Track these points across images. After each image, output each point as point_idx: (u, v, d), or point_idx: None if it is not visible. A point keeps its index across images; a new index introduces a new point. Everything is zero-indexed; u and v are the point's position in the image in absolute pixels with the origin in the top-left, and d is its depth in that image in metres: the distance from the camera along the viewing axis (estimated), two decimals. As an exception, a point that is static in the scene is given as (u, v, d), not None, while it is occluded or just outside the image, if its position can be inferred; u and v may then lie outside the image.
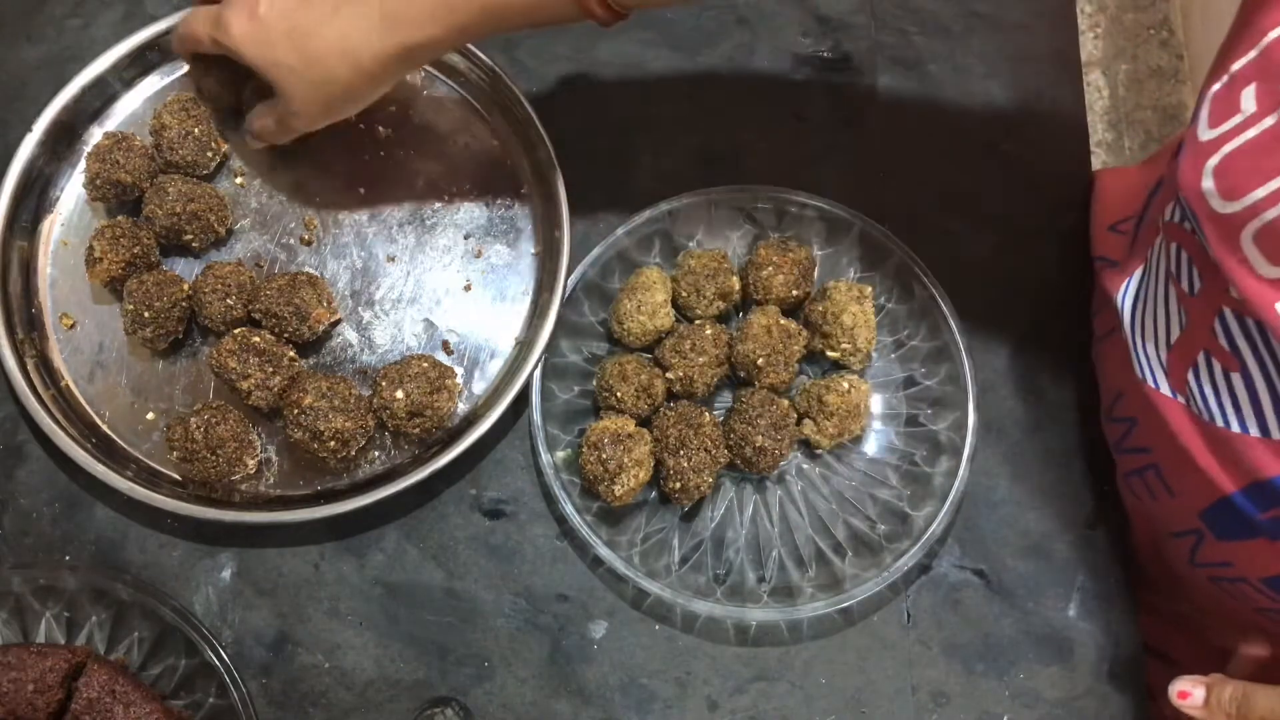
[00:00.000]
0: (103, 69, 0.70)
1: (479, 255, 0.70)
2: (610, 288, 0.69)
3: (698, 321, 0.67)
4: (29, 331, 0.67)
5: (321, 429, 0.61)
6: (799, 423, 0.66)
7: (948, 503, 0.64)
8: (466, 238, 0.71)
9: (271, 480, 0.65)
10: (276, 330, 0.65)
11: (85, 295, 0.68)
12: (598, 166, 0.72)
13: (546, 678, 0.64)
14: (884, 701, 0.64)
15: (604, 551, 0.62)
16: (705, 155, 0.74)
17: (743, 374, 0.66)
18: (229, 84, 0.69)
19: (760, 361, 0.64)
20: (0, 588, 0.61)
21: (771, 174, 0.71)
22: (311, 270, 0.69)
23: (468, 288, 0.70)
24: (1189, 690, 0.52)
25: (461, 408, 0.67)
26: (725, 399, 0.69)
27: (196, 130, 0.68)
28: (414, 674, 0.63)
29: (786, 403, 0.65)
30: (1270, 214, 0.44)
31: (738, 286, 0.68)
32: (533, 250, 0.71)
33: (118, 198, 0.68)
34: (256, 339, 0.63)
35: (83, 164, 0.68)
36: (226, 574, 0.65)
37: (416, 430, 0.64)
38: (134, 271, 0.66)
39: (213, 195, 0.68)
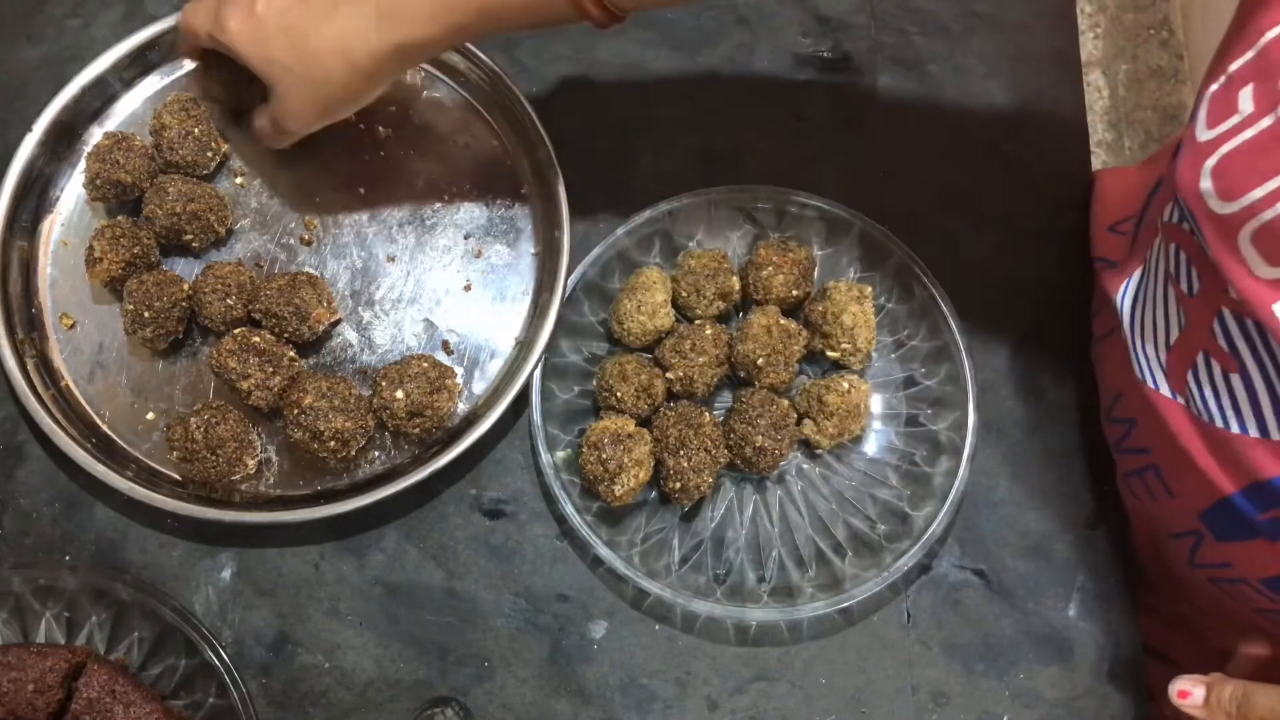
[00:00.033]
0: (103, 69, 0.70)
1: (479, 255, 0.70)
2: (610, 288, 0.69)
3: (698, 321, 0.67)
4: (29, 331, 0.67)
5: (321, 429, 0.61)
6: (799, 423, 0.66)
7: (948, 503, 0.64)
8: (466, 238, 0.71)
9: (271, 480, 0.65)
10: (276, 330, 0.65)
11: (85, 295, 0.68)
12: (598, 166, 0.72)
13: (546, 678, 0.64)
14: (884, 701, 0.64)
15: (604, 551, 0.62)
16: (705, 155, 0.74)
17: (743, 374, 0.66)
18: (231, 84, 0.69)
19: (760, 361, 0.64)
20: (0, 588, 0.61)
21: (771, 174, 0.71)
22: (311, 270, 0.69)
23: (468, 288, 0.70)
24: (1189, 689, 0.53)
25: (461, 408, 0.67)
26: (725, 399, 0.69)
27: (196, 130, 0.68)
28: (414, 674, 0.63)
29: (786, 403, 0.65)
30: (1268, 214, 0.44)
31: (738, 286, 0.68)
32: (533, 250, 0.71)
33: (118, 198, 0.68)
34: (256, 339, 0.63)
35: (83, 164, 0.68)
36: (226, 574, 0.65)
37: (416, 430, 0.64)
38: (134, 271, 0.66)
39: (213, 195, 0.68)
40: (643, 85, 0.76)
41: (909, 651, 0.65)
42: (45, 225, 0.69)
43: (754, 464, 0.63)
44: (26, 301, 0.68)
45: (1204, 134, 0.48)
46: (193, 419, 0.62)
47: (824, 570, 0.64)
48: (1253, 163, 0.45)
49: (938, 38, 0.78)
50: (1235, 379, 0.51)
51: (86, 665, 0.59)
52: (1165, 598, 0.71)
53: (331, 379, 0.63)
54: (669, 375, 0.65)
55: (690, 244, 0.71)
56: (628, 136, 0.74)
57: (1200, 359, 0.53)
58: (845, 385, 0.65)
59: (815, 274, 0.70)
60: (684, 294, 0.67)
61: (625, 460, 0.61)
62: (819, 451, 0.67)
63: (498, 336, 0.69)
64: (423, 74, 0.74)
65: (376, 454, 0.66)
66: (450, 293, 0.70)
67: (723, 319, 0.69)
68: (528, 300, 0.69)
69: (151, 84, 0.72)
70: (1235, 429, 0.52)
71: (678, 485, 0.62)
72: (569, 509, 0.62)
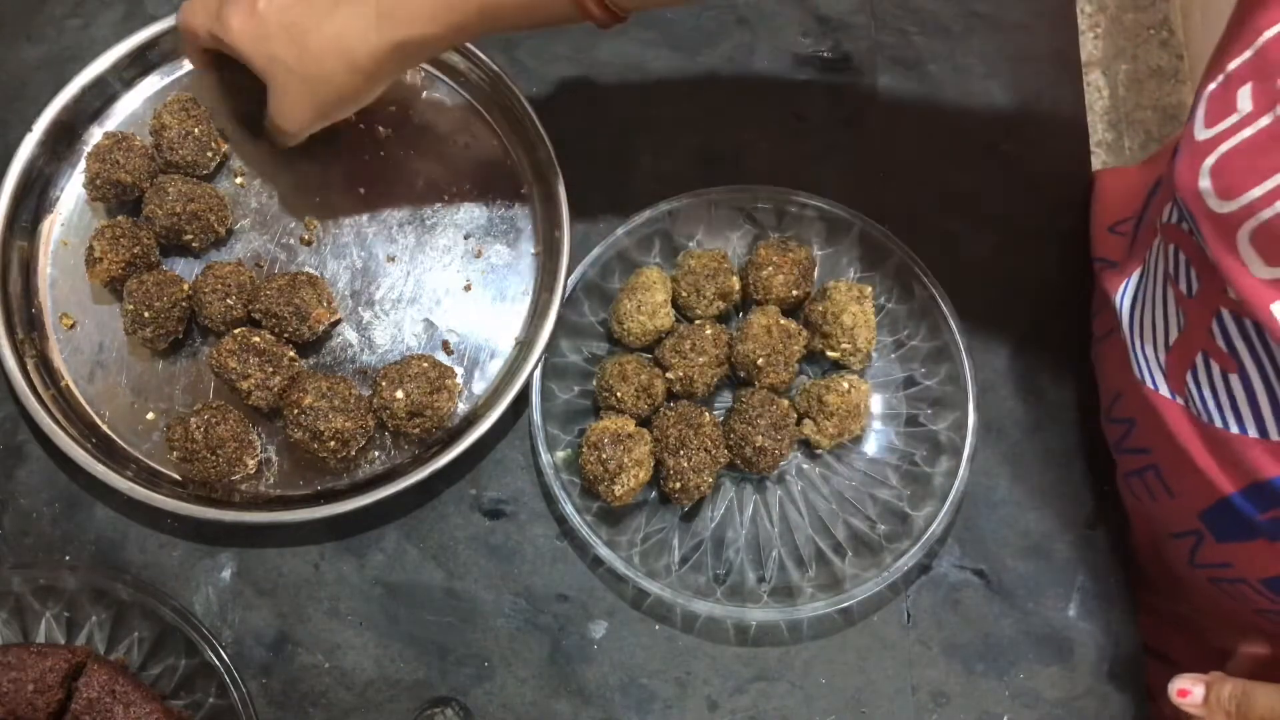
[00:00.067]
0: (103, 69, 0.70)
1: (479, 255, 0.70)
2: (610, 288, 0.69)
3: (698, 321, 0.67)
4: (29, 331, 0.67)
5: (321, 429, 0.61)
6: (799, 423, 0.66)
7: (948, 503, 0.64)
8: (466, 238, 0.71)
9: (271, 480, 0.65)
10: (276, 330, 0.65)
11: (85, 295, 0.68)
12: (598, 166, 0.72)
13: (546, 678, 0.64)
14: (884, 701, 0.64)
15: (604, 551, 0.62)
16: (705, 155, 0.74)
17: (743, 374, 0.66)
18: (239, 88, 0.69)
19: (760, 361, 0.64)
20: (0, 588, 0.61)
21: (771, 174, 0.72)
22: (311, 270, 0.69)
23: (468, 288, 0.70)
24: (1188, 688, 0.53)
25: (461, 408, 0.67)
26: (725, 399, 0.69)
27: (196, 130, 0.68)
28: (414, 674, 0.63)
29: (786, 403, 0.65)
30: (1266, 213, 0.44)
31: (738, 286, 0.68)
32: (533, 250, 0.71)
33: (118, 198, 0.68)
34: (256, 339, 0.63)
35: (83, 164, 0.68)
36: (226, 574, 0.65)
37: (416, 430, 0.64)
38: (134, 271, 0.66)
39: (213, 195, 0.68)
40: (643, 85, 0.76)
41: (909, 651, 0.65)
42: (45, 225, 0.69)
43: (754, 464, 0.63)
44: (26, 301, 0.68)
45: (1202, 133, 0.48)
46: (193, 419, 0.62)
47: (824, 570, 0.64)
48: (1251, 161, 0.45)
49: (938, 38, 0.78)
50: (1234, 379, 0.51)
51: (86, 665, 0.59)
52: (1165, 598, 0.71)
53: (331, 379, 0.63)
54: (669, 375, 0.65)
55: (690, 244, 0.71)
56: (628, 136, 0.74)
57: (1199, 359, 0.53)
58: (845, 385, 0.65)
59: (815, 274, 0.70)
60: (684, 294, 0.67)
61: (625, 460, 0.61)
62: (819, 451, 0.67)
63: (498, 336, 0.69)
64: (423, 74, 0.74)
65: (376, 454, 0.66)
66: (450, 293, 0.70)
67: (723, 319, 0.69)
68: (528, 300, 0.69)
69: (151, 84, 0.72)
70: (1234, 429, 0.52)
71: (678, 485, 0.62)
72: (569, 509, 0.62)
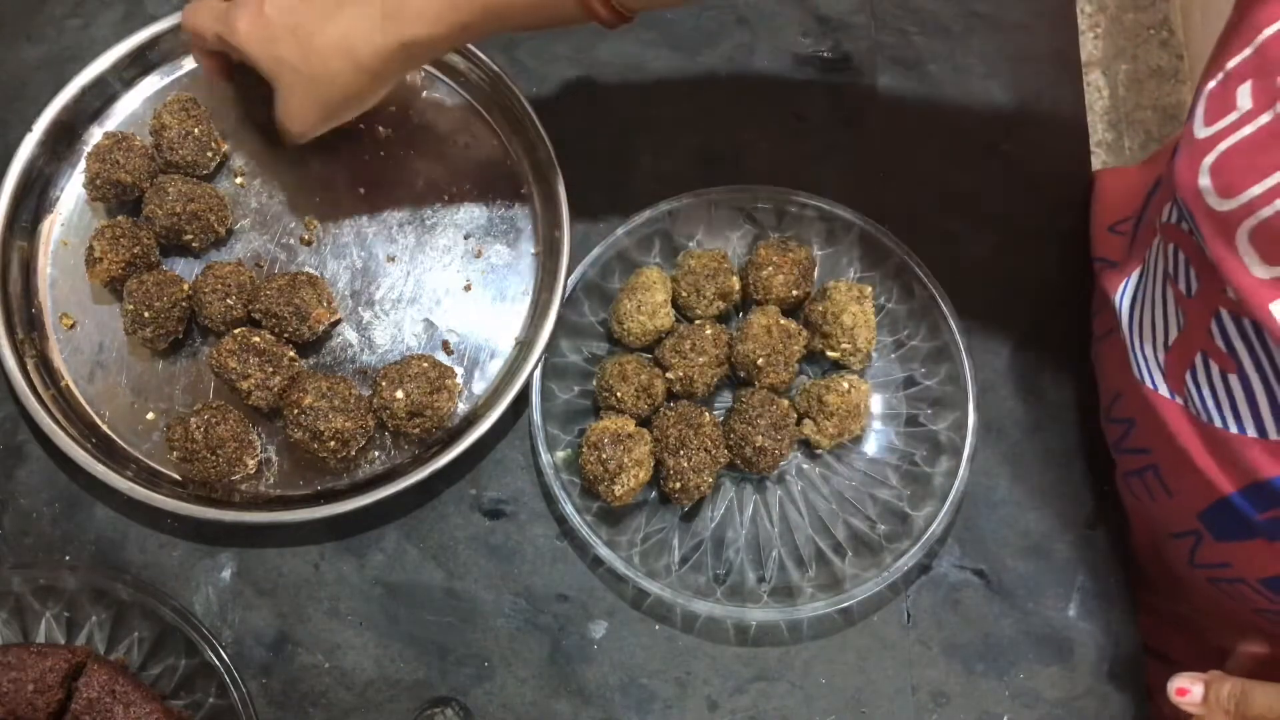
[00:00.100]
0: (103, 69, 0.70)
1: (479, 255, 0.70)
2: (610, 288, 0.69)
3: (698, 321, 0.67)
4: (29, 331, 0.67)
5: (321, 429, 0.61)
6: (799, 423, 0.66)
7: (948, 503, 0.64)
8: (466, 238, 0.71)
9: (271, 480, 0.65)
10: (276, 330, 0.65)
11: (85, 295, 0.68)
12: (598, 166, 0.72)
13: (546, 678, 0.64)
14: (884, 701, 0.64)
15: (604, 551, 0.62)
16: (705, 155, 0.74)
17: (743, 374, 0.66)
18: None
19: (760, 361, 0.64)
20: (0, 588, 0.61)
21: (771, 174, 0.72)
22: (311, 270, 0.69)
23: (468, 288, 0.70)
24: (1187, 687, 0.53)
25: (461, 408, 0.67)
26: (725, 399, 0.69)
27: (196, 130, 0.68)
28: (414, 674, 0.63)
29: (786, 403, 0.65)
30: (1266, 211, 0.44)
31: (738, 286, 0.68)
32: (533, 250, 0.71)
33: (118, 198, 0.68)
34: (256, 339, 0.63)
35: (83, 164, 0.68)
36: (226, 574, 0.65)
37: (416, 430, 0.64)
38: (134, 271, 0.66)
39: (213, 195, 0.68)
40: (643, 85, 0.76)
41: (909, 651, 0.65)
42: (45, 225, 0.69)
43: (754, 464, 0.63)
44: (26, 301, 0.68)
45: (1202, 131, 0.48)
46: (193, 419, 0.62)
47: (824, 570, 0.64)
48: (1251, 159, 0.45)
49: (938, 38, 0.78)
50: (1233, 379, 0.51)
51: (86, 665, 0.59)
52: (1165, 598, 0.71)
53: (331, 379, 0.63)
54: (669, 375, 0.65)
55: (690, 244, 0.71)
56: (628, 136, 0.74)
57: (1198, 359, 0.53)
58: (845, 385, 0.65)
59: (815, 274, 0.70)
60: (684, 294, 0.67)
61: (625, 460, 0.61)
62: (819, 451, 0.67)
63: (498, 336, 0.69)
64: (423, 74, 0.74)
65: (376, 454, 0.66)
66: (450, 293, 0.70)
67: (723, 319, 0.69)
68: (528, 300, 0.69)
69: (151, 84, 0.72)
70: (1233, 429, 0.52)
71: (678, 485, 0.62)
72: (569, 509, 0.62)
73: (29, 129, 0.68)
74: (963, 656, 0.65)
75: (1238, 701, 0.51)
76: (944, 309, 0.67)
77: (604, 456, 0.61)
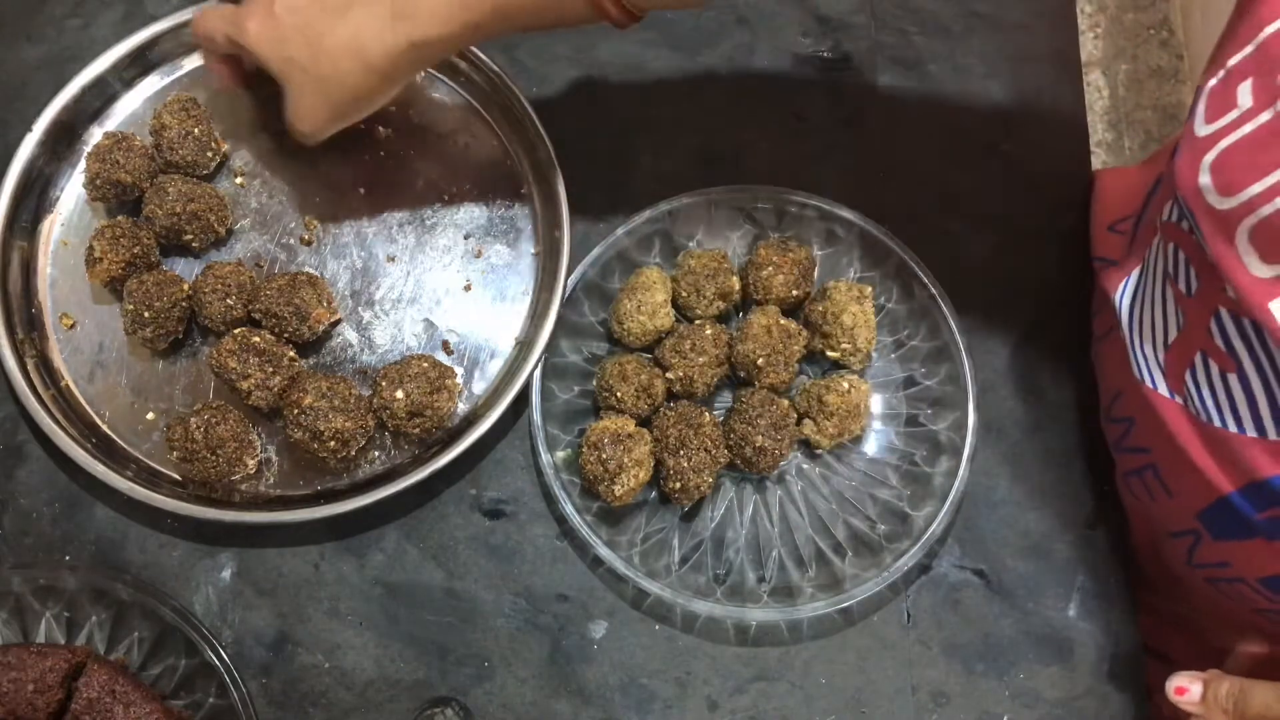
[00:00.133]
0: (103, 69, 0.70)
1: (479, 255, 0.70)
2: (610, 288, 0.69)
3: (698, 321, 0.67)
4: (29, 331, 0.67)
5: (321, 429, 0.61)
6: (799, 423, 0.66)
7: (948, 503, 0.64)
8: (466, 238, 0.71)
9: (271, 480, 0.65)
10: (276, 330, 0.65)
11: (85, 295, 0.68)
12: (598, 166, 0.72)
13: (546, 678, 0.64)
14: (884, 701, 0.64)
15: (604, 551, 0.62)
16: (705, 155, 0.74)
17: (743, 374, 0.66)
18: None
19: (760, 361, 0.64)
20: (0, 588, 0.61)
21: (771, 174, 0.72)
22: (311, 270, 0.69)
23: (468, 288, 0.70)
24: (1186, 686, 0.53)
25: (461, 408, 0.67)
26: (725, 399, 0.69)
27: (196, 130, 0.68)
28: (414, 674, 0.63)
29: (786, 403, 0.65)
30: (1266, 210, 0.44)
31: (738, 286, 0.68)
32: (533, 250, 0.71)
33: (118, 198, 0.68)
34: (256, 339, 0.63)
35: (83, 164, 0.68)
36: (226, 574, 0.65)
37: (416, 430, 0.64)
38: (134, 271, 0.66)
39: (213, 195, 0.68)
40: (643, 85, 0.76)
41: (909, 651, 0.65)
42: (45, 225, 0.69)
43: (754, 464, 0.63)
44: (26, 301, 0.68)
45: (1203, 129, 0.48)
46: (193, 419, 0.62)
47: (824, 570, 0.64)
48: (1251, 158, 0.45)
49: (938, 38, 0.78)
50: (1233, 379, 0.51)
51: (86, 665, 0.59)
52: (1164, 598, 0.71)
53: (331, 379, 0.63)
54: (669, 375, 0.65)
55: (690, 244, 0.71)
56: (628, 136, 0.74)
57: (1198, 358, 0.53)
58: (845, 385, 0.65)
59: (815, 274, 0.70)
60: (684, 294, 0.67)
61: (625, 460, 0.61)
62: (819, 451, 0.67)
63: (498, 336, 0.69)
64: (423, 74, 0.74)
65: (376, 454, 0.66)
66: (450, 293, 0.70)
67: (723, 319, 0.69)
68: (528, 300, 0.70)
69: (151, 84, 0.72)
70: (1233, 428, 0.52)
71: (678, 485, 0.62)
72: (569, 509, 0.62)
73: (29, 129, 0.68)
74: (963, 656, 0.65)
75: (1236, 700, 0.51)
76: (944, 309, 0.67)
77: (604, 456, 0.61)
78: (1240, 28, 0.47)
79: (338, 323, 0.68)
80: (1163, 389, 0.57)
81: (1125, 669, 0.65)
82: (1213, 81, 0.48)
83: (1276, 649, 0.64)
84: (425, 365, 0.63)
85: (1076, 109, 0.78)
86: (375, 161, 0.72)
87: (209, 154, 0.69)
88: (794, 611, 0.62)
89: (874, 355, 0.68)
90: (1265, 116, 0.44)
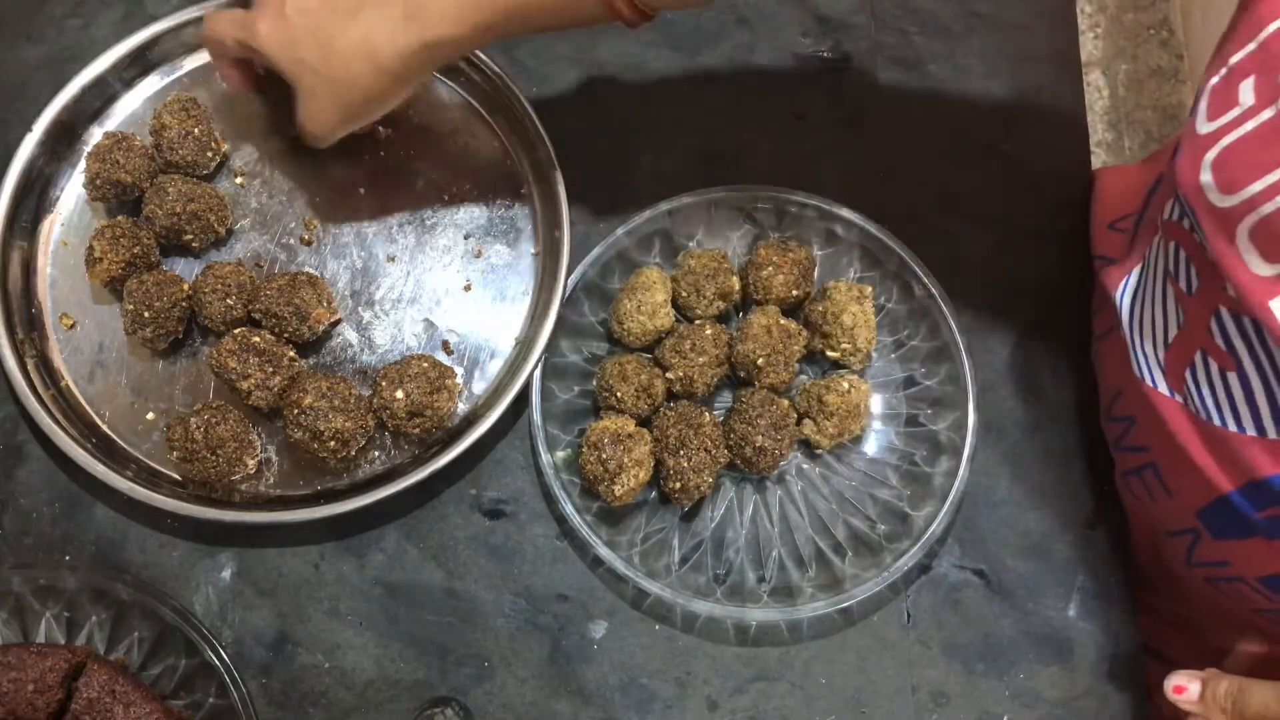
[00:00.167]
0: (103, 69, 0.70)
1: (479, 255, 0.70)
2: (610, 288, 0.69)
3: (698, 321, 0.67)
4: (29, 331, 0.67)
5: (321, 429, 0.61)
6: (799, 423, 0.66)
7: (948, 503, 0.64)
8: (466, 238, 0.71)
9: (271, 480, 0.65)
10: (276, 330, 0.65)
11: (85, 295, 0.68)
12: (598, 166, 0.72)
13: (546, 678, 0.64)
14: (884, 701, 0.64)
15: (604, 551, 0.62)
16: (705, 155, 0.74)
17: (743, 374, 0.66)
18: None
19: (760, 361, 0.64)
20: (0, 588, 0.61)
21: (771, 174, 0.72)
22: (311, 270, 0.69)
23: (468, 288, 0.70)
24: (1184, 685, 0.52)
25: (461, 408, 0.67)
26: (725, 399, 0.69)
27: (196, 130, 0.68)
28: (414, 674, 0.63)
29: (786, 403, 0.65)
30: (1267, 208, 0.44)
31: (738, 286, 0.68)
32: (533, 250, 0.71)
33: (118, 198, 0.68)
34: (256, 339, 0.63)
35: (83, 164, 0.68)
36: (226, 574, 0.65)
37: (416, 430, 0.64)
38: (134, 271, 0.66)
39: (213, 195, 0.68)
40: (643, 85, 0.76)
41: (909, 651, 0.65)
42: (45, 225, 0.69)
43: (754, 464, 0.63)
44: (26, 301, 0.68)
45: (1204, 126, 0.48)
46: (193, 419, 0.62)
47: (824, 570, 0.64)
48: (1253, 155, 0.45)
49: (938, 38, 0.78)
50: (1232, 378, 0.51)
51: (86, 665, 0.59)
52: (1164, 597, 0.71)
53: (331, 379, 0.63)
54: (669, 375, 0.65)
55: (690, 244, 0.71)
56: (628, 136, 0.74)
57: (1198, 357, 0.53)
58: (845, 385, 0.65)
59: (815, 274, 0.70)
60: (684, 294, 0.67)
61: (625, 460, 0.61)
62: (819, 451, 0.67)
63: (498, 336, 0.69)
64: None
65: (376, 454, 0.66)
66: (450, 293, 0.70)
67: (723, 319, 0.69)
68: (528, 300, 0.69)
69: (151, 84, 0.72)
70: (1233, 427, 0.52)
71: (678, 485, 0.62)
72: (569, 509, 0.62)
73: (29, 129, 0.68)
74: (963, 656, 0.65)
75: (1234, 699, 0.51)
76: (944, 309, 0.67)
77: (604, 456, 0.61)
78: (1242, 25, 0.47)
79: (338, 323, 0.68)
80: (1163, 388, 0.57)
81: (1125, 669, 0.65)
82: (1215, 79, 0.48)
83: (1275, 648, 0.64)
84: (425, 365, 0.63)
85: (1076, 109, 0.78)
86: (375, 161, 0.72)
87: (209, 154, 0.69)
88: (794, 611, 0.62)
89: (874, 355, 0.68)
90: (1267, 114, 0.44)
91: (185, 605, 0.62)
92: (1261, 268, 0.45)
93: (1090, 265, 0.72)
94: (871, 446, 0.68)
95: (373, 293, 0.69)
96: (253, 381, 0.62)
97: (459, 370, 0.67)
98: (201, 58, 0.73)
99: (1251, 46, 0.46)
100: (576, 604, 0.65)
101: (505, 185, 0.72)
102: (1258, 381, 0.49)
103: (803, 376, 0.69)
